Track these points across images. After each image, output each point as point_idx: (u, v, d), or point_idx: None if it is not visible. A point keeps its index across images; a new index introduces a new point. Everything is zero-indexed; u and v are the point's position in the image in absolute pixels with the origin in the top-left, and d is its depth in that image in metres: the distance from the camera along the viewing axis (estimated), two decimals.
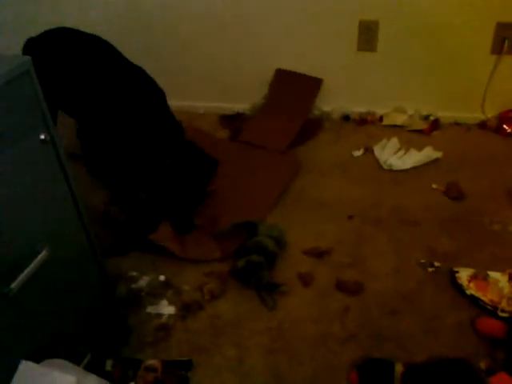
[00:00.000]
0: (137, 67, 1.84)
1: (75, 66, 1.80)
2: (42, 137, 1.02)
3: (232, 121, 2.57)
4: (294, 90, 2.51)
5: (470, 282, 1.57)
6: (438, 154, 2.23)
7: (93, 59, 1.81)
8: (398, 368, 1.29)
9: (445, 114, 2.48)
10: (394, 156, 2.24)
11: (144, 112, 1.78)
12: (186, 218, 1.84)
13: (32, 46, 1.85)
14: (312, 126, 2.49)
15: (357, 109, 2.55)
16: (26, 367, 0.99)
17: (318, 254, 1.75)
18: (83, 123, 2.04)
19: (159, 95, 1.85)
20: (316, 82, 2.49)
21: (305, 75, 2.50)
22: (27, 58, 0.96)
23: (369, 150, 2.31)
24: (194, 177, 1.85)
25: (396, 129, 2.45)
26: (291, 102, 2.50)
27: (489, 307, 1.50)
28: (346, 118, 2.57)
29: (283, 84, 2.54)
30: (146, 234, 1.78)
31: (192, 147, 1.90)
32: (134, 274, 1.70)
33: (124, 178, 1.89)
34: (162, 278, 1.69)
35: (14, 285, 0.94)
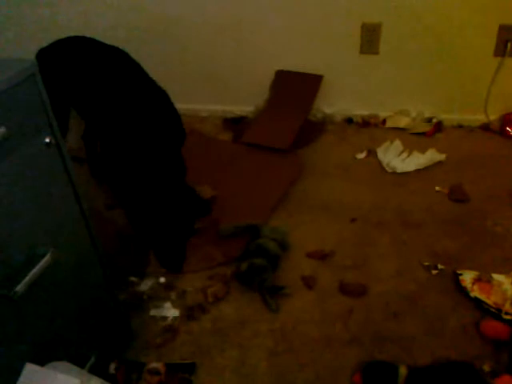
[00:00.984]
0: (153, 82, 1.79)
1: (87, 76, 1.78)
2: (47, 140, 1.02)
3: (235, 124, 2.58)
4: (294, 89, 2.52)
5: (473, 284, 1.56)
6: (441, 157, 2.23)
7: (106, 69, 1.78)
8: (402, 371, 1.29)
9: (448, 117, 2.48)
10: (397, 158, 2.24)
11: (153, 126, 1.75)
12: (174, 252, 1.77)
13: (43, 56, 1.84)
14: (315, 129, 2.50)
15: (360, 111, 2.55)
16: (30, 370, 0.99)
17: (321, 257, 1.75)
18: (93, 129, 2.04)
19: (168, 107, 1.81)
20: (316, 78, 2.49)
21: (305, 73, 2.50)
22: (32, 61, 0.96)
23: (372, 153, 2.31)
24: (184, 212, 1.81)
25: (399, 131, 2.46)
26: (293, 100, 2.50)
27: (493, 310, 1.49)
28: (349, 120, 2.57)
29: (284, 84, 2.55)
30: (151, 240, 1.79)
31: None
32: (136, 277, 1.71)
33: (128, 182, 1.88)
34: (162, 279, 1.69)
35: (18, 288, 0.94)
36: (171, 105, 1.78)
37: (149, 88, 1.78)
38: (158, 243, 1.77)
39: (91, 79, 1.77)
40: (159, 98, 1.77)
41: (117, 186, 1.87)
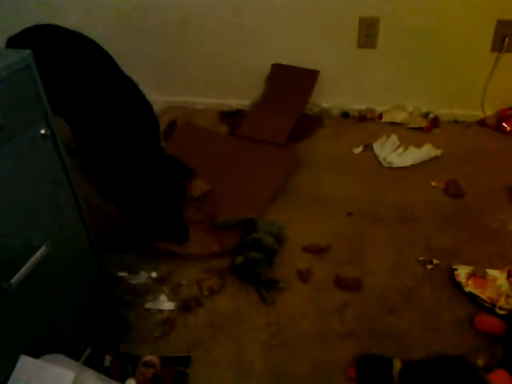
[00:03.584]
0: (122, 74, 1.79)
1: (59, 64, 1.75)
2: (43, 131, 1.01)
3: (231, 117, 2.57)
4: (290, 83, 2.51)
5: (468, 279, 1.57)
6: (438, 152, 2.23)
7: (77, 57, 1.74)
8: (396, 364, 1.29)
9: (444, 112, 2.48)
10: (394, 153, 2.24)
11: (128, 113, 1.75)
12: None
13: (13, 45, 1.80)
14: (311, 123, 2.49)
15: (356, 106, 2.55)
16: (25, 362, 0.99)
17: (317, 251, 1.75)
18: (71, 122, 2.02)
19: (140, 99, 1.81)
20: (312, 73, 2.48)
21: (301, 68, 2.49)
22: (28, 52, 0.95)
23: (368, 147, 2.31)
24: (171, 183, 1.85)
25: (395, 126, 2.46)
26: (288, 94, 2.49)
27: (487, 305, 1.50)
28: (346, 114, 2.56)
29: (280, 78, 2.53)
30: (145, 231, 1.78)
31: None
32: (132, 269, 1.70)
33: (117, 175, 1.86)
34: (154, 274, 1.69)
35: (13, 280, 0.94)
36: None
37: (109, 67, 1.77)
38: (156, 217, 1.79)
39: (59, 68, 1.74)
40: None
41: (101, 174, 1.86)
